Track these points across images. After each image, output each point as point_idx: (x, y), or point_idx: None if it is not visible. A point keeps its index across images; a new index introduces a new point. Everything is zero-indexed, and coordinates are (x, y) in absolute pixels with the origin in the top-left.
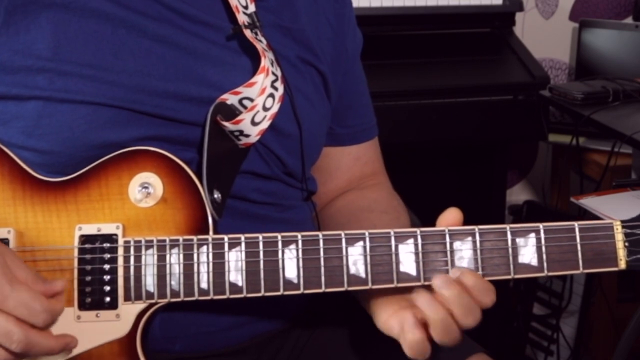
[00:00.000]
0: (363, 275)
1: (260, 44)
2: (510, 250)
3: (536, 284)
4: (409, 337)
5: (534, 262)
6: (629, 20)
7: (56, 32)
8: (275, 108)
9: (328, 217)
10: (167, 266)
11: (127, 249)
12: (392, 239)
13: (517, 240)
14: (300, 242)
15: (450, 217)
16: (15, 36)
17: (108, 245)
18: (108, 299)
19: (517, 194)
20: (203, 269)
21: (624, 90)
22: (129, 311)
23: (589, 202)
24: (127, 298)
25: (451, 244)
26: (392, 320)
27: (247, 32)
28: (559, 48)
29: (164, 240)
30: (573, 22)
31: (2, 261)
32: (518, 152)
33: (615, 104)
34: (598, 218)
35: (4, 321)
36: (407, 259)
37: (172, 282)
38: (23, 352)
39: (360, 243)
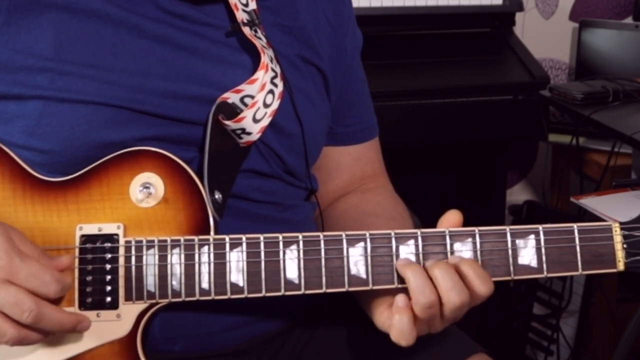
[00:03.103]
0: (364, 275)
1: (259, 41)
2: (510, 251)
3: (536, 284)
4: (395, 319)
5: (534, 263)
6: (629, 20)
7: (57, 32)
8: (275, 105)
9: (331, 220)
10: (169, 266)
11: (128, 249)
12: (393, 240)
13: (517, 241)
14: (301, 243)
15: (451, 219)
16: (16, 36)
17: (109, 245)
18: (109, 299)
19: (517, 194)
20: (204, 269)
21: (624, 90)
22: (129, 311)
23: (589, 202)
24: (128, 298)
25: (451, 245)
26: (386, 314)
27: (246, 30)
28: (559, 48)
29: (165, 241)
30: (573, 22)
31: (8, 237)
32: (518, 152)
33: (615, 104)
34: (598, 218)
35: (15, 291)
36: None
37: (173, 282)
38: (34, 323)
39: (361, 244)
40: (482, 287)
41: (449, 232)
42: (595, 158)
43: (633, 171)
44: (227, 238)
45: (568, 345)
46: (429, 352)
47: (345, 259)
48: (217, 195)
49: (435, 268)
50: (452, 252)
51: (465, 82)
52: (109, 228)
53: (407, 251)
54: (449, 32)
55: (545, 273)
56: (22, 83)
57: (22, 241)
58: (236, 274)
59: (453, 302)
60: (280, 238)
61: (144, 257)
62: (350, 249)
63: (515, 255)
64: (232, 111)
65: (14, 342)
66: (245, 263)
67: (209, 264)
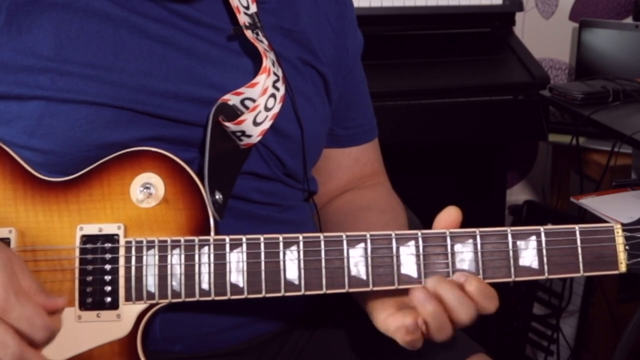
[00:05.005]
0: (364, 277)
1: (262, 45)
2: (511, 252)
3: (536, 284)
4: (406, 339)
5: (535, 264)
6: (629, 20)
7: (58, 32)
8: (276, 108)
9: (326, 216)
10: (169, 267)
11: (128, 249)
12: (393, 240)
13: (518, 243)
14: (301, 244)
15: (451, 216)
16: (17, 36)
17: (109, 245)
18: (109, 299)
19: (517, 194)
20: (204, 269)
21: (624, 90)
22: (129, 311)
23: (589, 202)
24: (128, 298)
25: (452, 246)
26: (390, 320)
27: (248, 33)
28: (559, 48)
29: (166, 241)
30: (573, 22)
31: (10, 270)
32: (518, 152)
33: (615, 104)
34: (598, 218)
35: (3, 332)
36: (408, 261)
37: (173, 283)
38: None
39: (362, 245)
40: (488, 304)
41: (450, 233)
42: (595, 158)
43: (633, 171)
44: (227, 239)
45: (568, 345)
46: (429, 352)
47: (345, 260)
48: (218, 196)
49: (440, 289)
50: (452, 254)
51: (465, 82)
52: (109, 228)
53: (407, 252)
54: (449, 32)
55: (546, 274)
56: (23, 83)
57: (23, 273)
58: (236, 274)
59: (462, 320)
60: (281, 239)
61: (144, 258)
62: (351, 250)
63: (516, 257)
64: (233, 113)
65: None
66: (245, 264)
67: (209, 264)
